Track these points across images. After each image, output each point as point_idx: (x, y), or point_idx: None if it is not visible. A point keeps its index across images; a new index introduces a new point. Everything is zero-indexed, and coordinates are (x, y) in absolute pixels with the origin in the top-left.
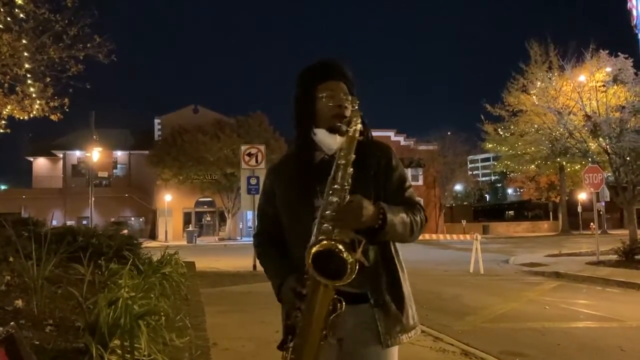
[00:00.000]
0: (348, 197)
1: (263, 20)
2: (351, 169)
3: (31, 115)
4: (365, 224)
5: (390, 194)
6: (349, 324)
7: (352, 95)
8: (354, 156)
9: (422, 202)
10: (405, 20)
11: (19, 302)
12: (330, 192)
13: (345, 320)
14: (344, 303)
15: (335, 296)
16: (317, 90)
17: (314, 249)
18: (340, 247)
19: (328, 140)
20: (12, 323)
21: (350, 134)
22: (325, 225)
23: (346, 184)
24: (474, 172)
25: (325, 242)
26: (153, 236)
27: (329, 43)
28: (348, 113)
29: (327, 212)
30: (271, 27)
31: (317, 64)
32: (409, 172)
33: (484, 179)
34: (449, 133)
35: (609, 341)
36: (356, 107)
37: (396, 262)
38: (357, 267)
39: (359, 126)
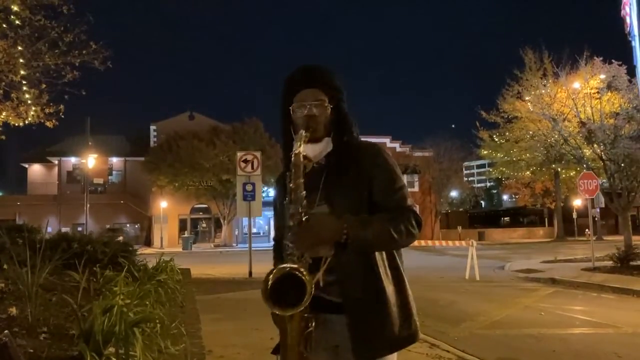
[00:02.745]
0: (304, 218)
1: (261, 24)
2: (303, 193)
3: (26, 122)
4: (327, 241)
5: (377, 195)
6: (340, 332)
7: (333, 100)
8: (302, 180)
9: (417, 210)
10: (403, 24)
11: (13, 310)
12: (289, 216)
13: (337, 329)
14: (313, 322)
15: (306, 314)
16: (293, 101)
17: (269, 283)
18: (292, 267)
19: (307, 151)
20: (6, 331)
21: (293, 159)
22: (290, 246)
23: (300, 207)
24: (469, 179)
25: (276, 270)
26: (148, 243)
27: (326, 48)
28: (319, 120)
29: (289, 234)
30: (269, 31)
31: (292, 74)
32: (404, 179)
33: (479, 185)
34: (452, 126)
35: (605, 347)
36: (339, 113)
37: (381, 272)
38: (312, 289)
39: (301, 149)
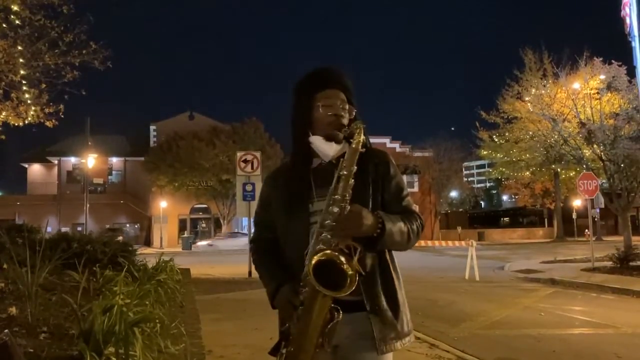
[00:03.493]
0: (348, 207)
1: (260, 27)
2: (352, 181)
3: (26, 122)
4: (364, 232)
5: (388, 201)
6: (344, 331)
7: (351, 104)
8: (355, 168)
9: (418, 210)
10: (403, 26)
11: (13, 310)
12: (331, 202)
13: (341, 328)
14: (341, 312)
15: (333, 305)
16: (315, 98)
17: (315, 259)
18: (342, 258)
19: (324, 147)
20: (6, 331)
21: (354, 146)
22: (324, 234)
23: (347, 195)
24: (469, 179)
25: (327, 251)
26: (148, 243)
27: (326, 48)
28: (345, 121)
29: (327, 222)
30: (268, 33)
31: (316, 72)
32: (404, 179)
33: (479, 185)
34: (452, 129)
35: (605, 348)
36: (354, 116)
37: (391, 269)
38: (357, 278)
39: (362, 138)
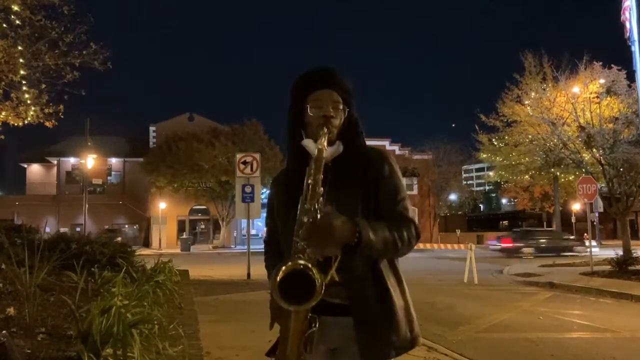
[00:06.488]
0: (319, 215)
1: (262, 28)
2: (321, 189)
3: (26, 122)
4: (338, 241)
5: (381, 205)
6: (338, 335)
7: (346, 104)
8: (321, 176)
9: (416, 214)
10: (402, 27)
11: (11, 310)
12: (302, 211)
13: (332, 331)
14: (317, 322)
15: (310, 315)
16: (306, 100)
17: (278, 276)
18: (305, 264)
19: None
20: (3, 331)
21: (316, 154)
22: (299, 244)
23: (316, 204)
24: (468, 182)
25: (289, 264)
26: (147, 244)
27: (326, 50)
28: (336, 122)
29: (300, 232)
30: (269, 34)
31: (309, 73)
32: (403, 182)
33: (478, 188)
34: (453, 125)
35: (603, 352)
36: (350, 116)
37: (385, 274)
38: (323, 287)
39: (324, 145)
